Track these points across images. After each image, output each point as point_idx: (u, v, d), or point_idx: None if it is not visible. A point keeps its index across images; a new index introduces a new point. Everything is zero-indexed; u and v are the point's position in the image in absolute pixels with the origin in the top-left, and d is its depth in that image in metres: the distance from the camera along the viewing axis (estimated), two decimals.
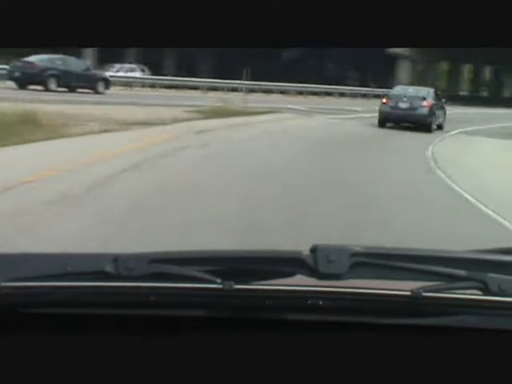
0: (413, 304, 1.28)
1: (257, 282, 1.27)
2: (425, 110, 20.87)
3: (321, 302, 1.27)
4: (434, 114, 21.40)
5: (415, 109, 20.83)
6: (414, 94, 21.84)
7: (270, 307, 1.26)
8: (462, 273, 1.32)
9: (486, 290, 1.29)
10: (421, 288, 1.27)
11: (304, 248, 1.30)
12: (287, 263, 1.31)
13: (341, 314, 1.28)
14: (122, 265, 1.21)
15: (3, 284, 1.18)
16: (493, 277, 1.31)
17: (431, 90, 22.86)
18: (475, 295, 1.30)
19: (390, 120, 20.97)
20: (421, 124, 20.61)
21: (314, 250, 1.28)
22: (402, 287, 1.31)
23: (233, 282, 1.23)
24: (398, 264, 1.32)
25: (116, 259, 1.22)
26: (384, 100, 21.59)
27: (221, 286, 1.22)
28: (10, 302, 1.18)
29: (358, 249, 1.31)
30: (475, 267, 1.36)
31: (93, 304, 1.20)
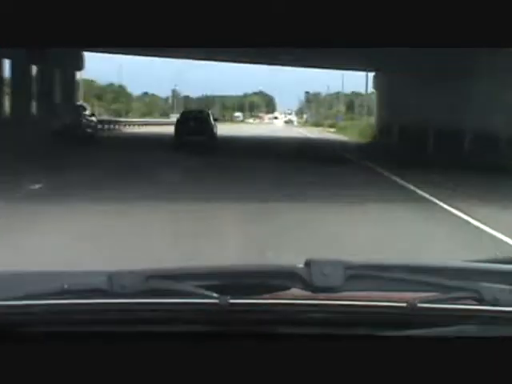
0: (408, 315, 1.29)
1: (252, 297, 1.28)
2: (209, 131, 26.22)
3: (316, 315, 1.28)
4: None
5: (201, 130, 25.83)
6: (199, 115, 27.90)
7: (265, 321, 1.27)
8: (457, 283, 1.33)
9: (481, 300, 1.30)
10: (416, 299, 1.28)
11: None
12: (282, 277, 1.32)
13: (337, 326, 1.29)
14: (117, 282, 1.22)
15: (0, 303, 1.19)
16: (487, 286, 1.32)
17: (210, 111, 29.89)
18: (470, 305, 1.31)
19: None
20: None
21: (308, 263, 1.29)
22: (398, 299, 1.32)
23: (228, 297, 1.24)
24: (393, 276, 1.34)
25: (111, 277, 1.24)
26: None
27: (216, 301, 1.23)
28: (8, 321, 1.18)
29: (352, 262, 1.32)
30: (470, 277, 1.37)
31: (90, 322, 1.21)
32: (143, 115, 74.53)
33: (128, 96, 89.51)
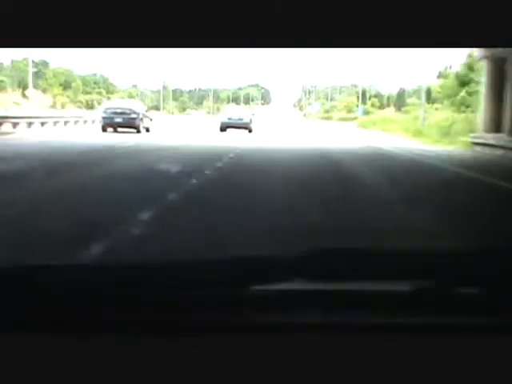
0: (411, 302, 1.29)
1: (254, 286, 1.28)
2: (248, 120, 35.01)
3: (319, 304, 1.28)
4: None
5: (242, 119, 34.94)
6: (240, 112, 37.74)
7: (266, 310, 1.27)
8: (460, 269, 1.33)
9: (484, 287, 1.31)
10: (419, 285, 1.29)
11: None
12: (284, 266, 1.32)
13: (339, 314, 1.29)
14: (119, 273, 1.23)
15: (4, 297, 1.20)
16: (490, 273, 1.32)
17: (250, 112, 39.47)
18: (471, 292, 1.32)
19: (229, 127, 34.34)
20: (245, 128, 34.28)
21: (310, 252, 1.30)
22: (400, 285, 1.32)
23: (229, 287, 1.24)
24: (395, 262, 1.34)
25: (113, 267, 1.24)
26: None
27: (217, 291, 1.23)
28: (11, 312, 1.19)
29: (352, 249, 1.33)
30: (472, 263, 1.38)
31: (91, 311, 1.21)
32: None
33: (110, 87, 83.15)
